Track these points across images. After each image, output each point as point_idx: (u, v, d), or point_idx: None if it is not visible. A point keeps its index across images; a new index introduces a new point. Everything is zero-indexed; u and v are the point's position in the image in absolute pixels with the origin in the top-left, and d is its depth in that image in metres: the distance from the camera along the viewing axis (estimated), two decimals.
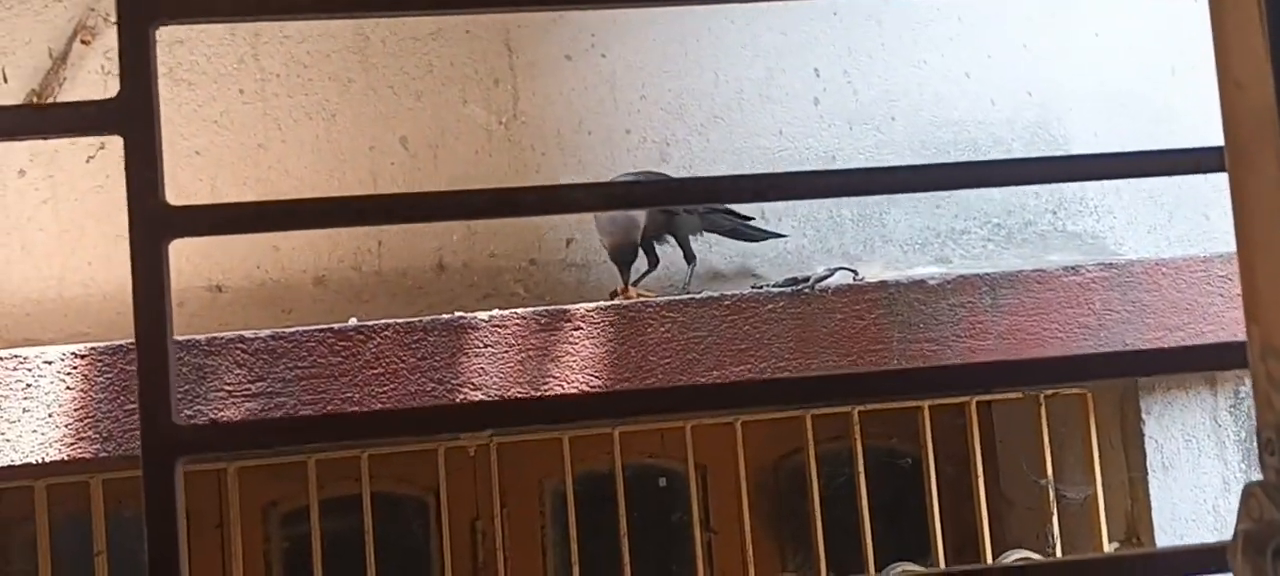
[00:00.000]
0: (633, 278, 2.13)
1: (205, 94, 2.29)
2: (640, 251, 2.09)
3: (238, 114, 2.30)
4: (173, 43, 2.28)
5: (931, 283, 1.78)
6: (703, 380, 1.74)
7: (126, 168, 0.65)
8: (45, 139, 0.64)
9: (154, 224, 0.64)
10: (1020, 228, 2.47)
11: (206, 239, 2.32)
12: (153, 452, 0.62)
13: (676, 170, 2.30)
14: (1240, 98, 0.59)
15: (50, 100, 2.23)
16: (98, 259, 2.24)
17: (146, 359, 0.63)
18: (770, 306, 1.75)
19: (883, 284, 1.77)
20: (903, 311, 1.77)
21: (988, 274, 1.80)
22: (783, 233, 2.25)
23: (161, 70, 2.35)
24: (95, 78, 2.25)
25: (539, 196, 0.69)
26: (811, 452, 1.99)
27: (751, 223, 2.23)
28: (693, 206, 2.07)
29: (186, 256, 2.26)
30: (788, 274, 2.29)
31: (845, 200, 2.43)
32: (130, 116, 0.66)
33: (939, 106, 2.45)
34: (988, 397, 2.06)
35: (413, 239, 2.32)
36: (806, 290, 1.75)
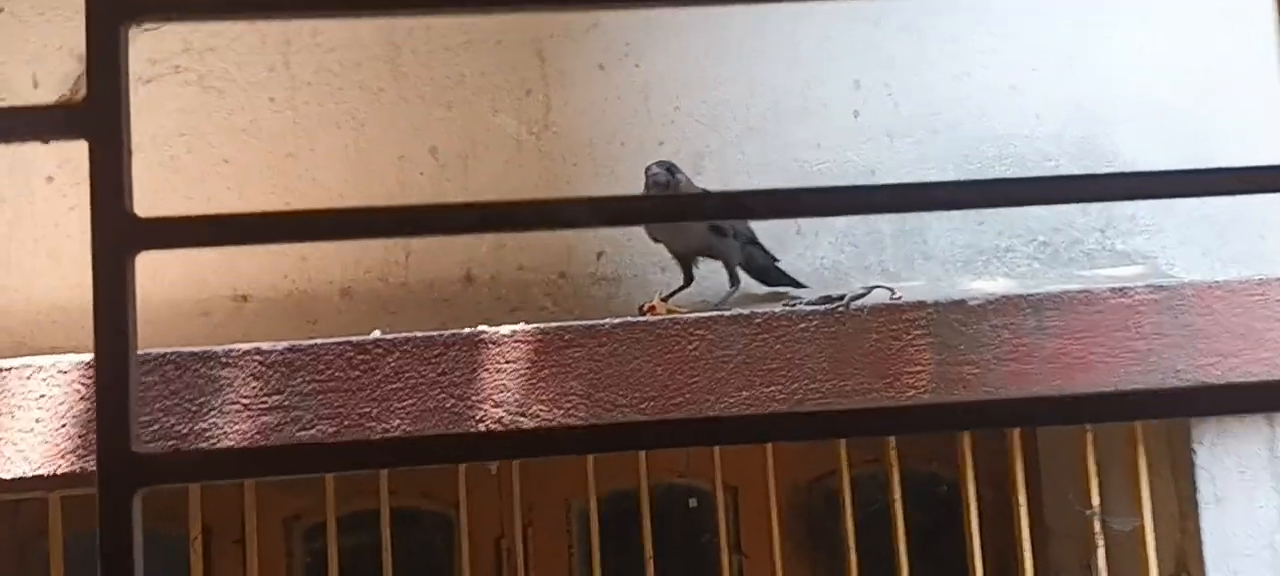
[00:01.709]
0: (664, 293, 2.08)
1: (235, 102, 2.27)
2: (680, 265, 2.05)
3: (267, 122, 2.28)
4: (204, 49, 2.27)
5: (972, 303, 1.71)
6: (731, 400, 1.68)
7: (91, 175, 0.60)
8: (6, 143, 0.59)
9: (119, 236, 0.60)
10: (1067, 246, 2.38)
11: (233, 250, 2.31)
12: (109, 482, 0.57)
13: (711, 183, 2.24)
14: None
15: None
16: None
17: (106, 379, 0.58)
18: (803, 325, 1.68)
19: (921, 303, 1.70)
20: (942, 332, 1.70)
21: (1032, 294, 1.72)
22: (803, 283, 2.18)
23: (192, 77, 2.35)
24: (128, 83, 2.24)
25: (534, 211, 0.63)
26: (846, 478, 1.92)
27: (778, 264, 2.17)
28: (740, 231, 2.01)
29: (212, 266, 2.24)
30: (824, 292, 2.23)
31: (884, 215, 2.36)
32: (97, 120, 0.61)
33: (982, 120, 2.37)
34: None
35: (440, 251, 2.28)
36: (841, 308, 1.69)
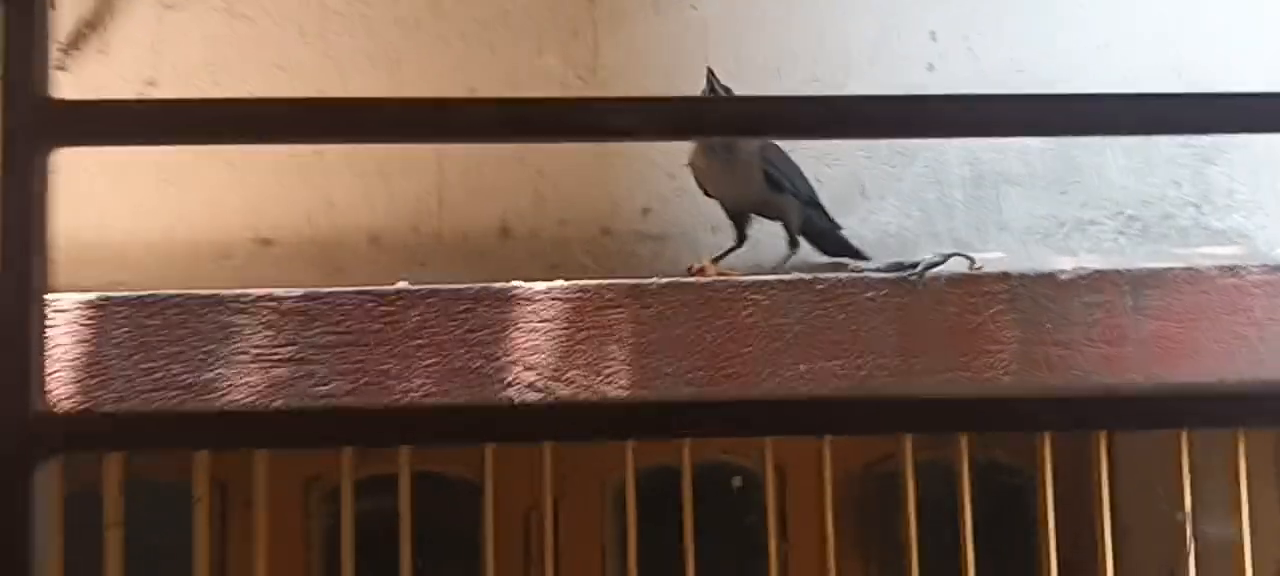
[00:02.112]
0: (715, 255, 1.91)
1: (263, 32, 2.13)
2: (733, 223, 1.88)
3: (297, 55, 2.13)
4: None
5: (1062, 277, 1.53)
6: (787, 374, 1.51)
7: (4, 47, 0.44)
8: None
9: (32, 125, 0.44)
10: (1157, 221, 2.18)
11: (257, 190, 2.18)
12: (4, 448, 0.42)
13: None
14: None
15: (101, 31, 2.09)
16: (143, 204, 2.10)
17: (7, 316, 0.42)
18: (870, 294, 1.51)
19: (1005, 275, 1.52)
20: (1027, 308, 1.52)
21: (1131, 270, 1.54)
22: (866, 254, 2.00)
23: (219, 5, 2.21)
24: (150, 11, 2.10)
25: (570, 113, 0.46)
26: (909, 469, 1.75)
27: (840, 231, 1.99)
28: (800, 189, 1.83)
29: (234, 207, 2.10)
30: (887, 254, 2.05)
31: (955, 179, 2.17)
32: None
33: (1071, 81, 2.17)
34: None
35: (476, 200, 2.13)
36: (914, 278, 1.51)
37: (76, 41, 2.08)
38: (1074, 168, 2.17)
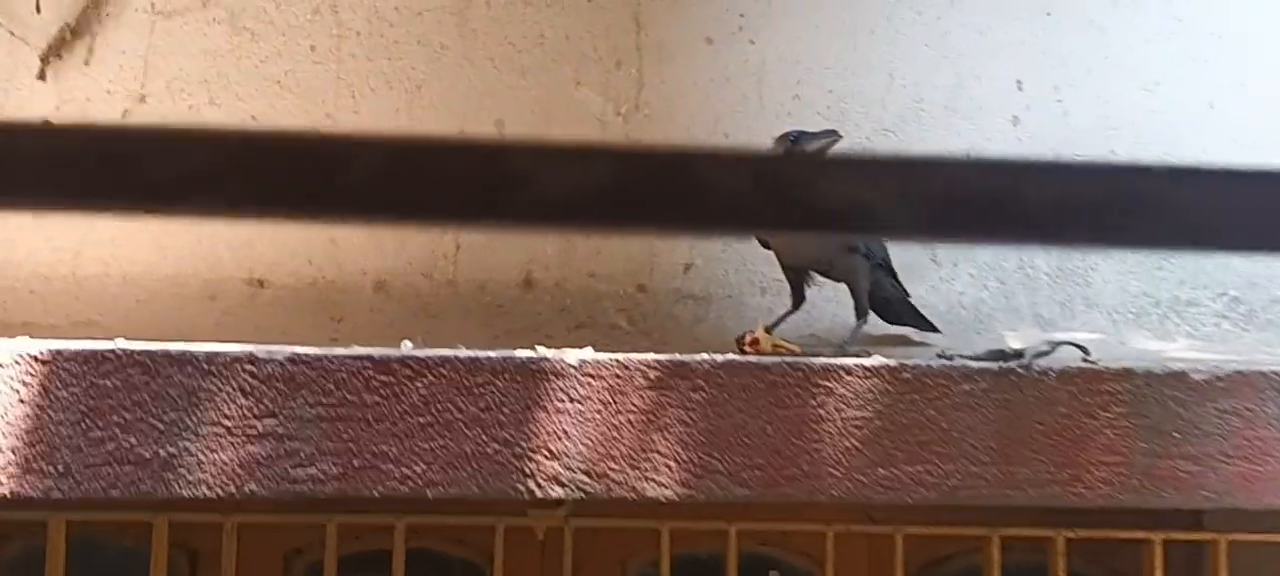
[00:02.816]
0: (768, 322, 1.66)
1: (270, 47, 1.90)
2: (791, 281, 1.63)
3: (306, 75, 1.90)
4: None
5: (1196, 377, 1.28)
6: (863, 479, 1.26)
7: None
8: None
9: None
10: (1266, 305, 1.93)
11: (252, 226, 1.94)
12: None
13: None
14: None
15: (86, 41, 1.87)
16: (122, 233, 1.87)
17: None
18: (967, 387, 1.26)
19: (1128, 372, 1.27)
20: (1152, 412, 1.27)
21: (1277, 372, 1.28)
22: (937, 326, 1.75)
23: (221, 14, 1.99)
24: (142, 18, 1.88)
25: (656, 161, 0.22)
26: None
27: (909, 299, 1.74)
28: (873, 250, 1.59)
29: (227, 243, 1.87)
30: (962, 336, 1.80)
31: (1041, 248, 1.92)
32: None
33: (1172, 143, 1.93)
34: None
35: (497, 246, 1.89)
36: (1020, 369, 1.26)
37: (59, 49, 1.86)
38: None
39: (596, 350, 1.76)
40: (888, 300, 1.73)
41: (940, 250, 1.90)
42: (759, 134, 1.91)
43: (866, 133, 1.92)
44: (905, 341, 1.77)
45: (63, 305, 1.83)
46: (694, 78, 1.91)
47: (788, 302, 1.73)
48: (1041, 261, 1.91)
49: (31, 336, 1.65)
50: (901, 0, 1.91)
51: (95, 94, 1.88)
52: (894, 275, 1.71)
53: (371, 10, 1.91)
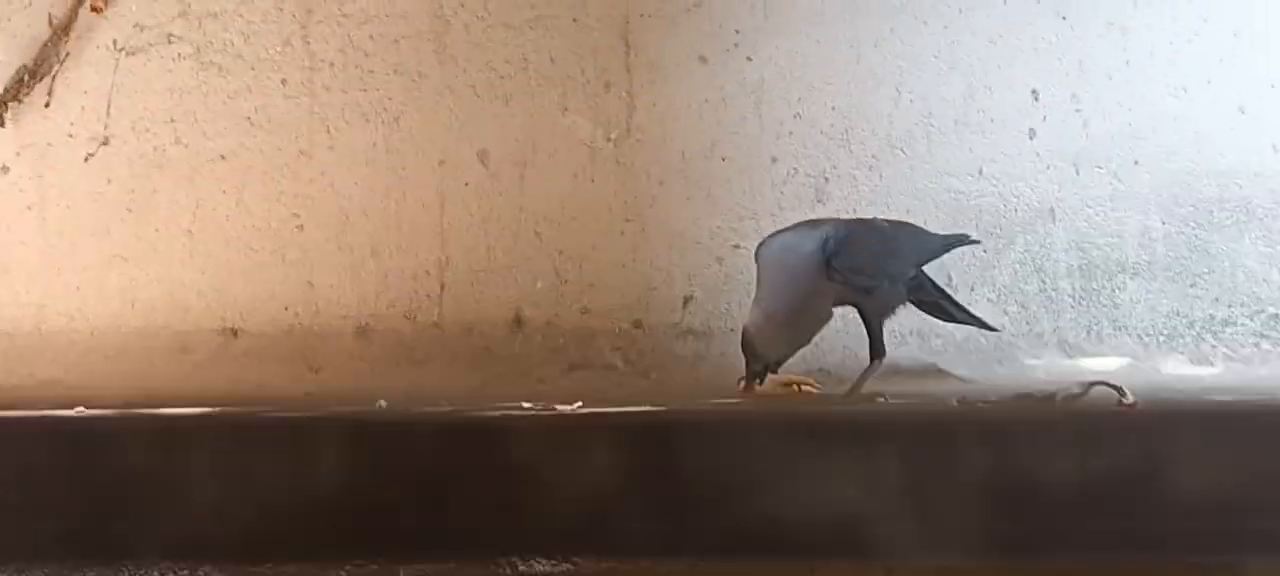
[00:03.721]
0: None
1: (239, 82, 1.80)
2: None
3: (277, 110, 1.80)
4: (204, 15, 1.80)
5: (1238, 410, 1.16)
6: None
7: None
8: None
9: None
10: None
11: (224, 269, 1.84)
12: None
13: (839, 214, 1.71)
14: None
15: (45, 82, 1.77)
16: (89, 283, 1.77)
17: None
18: None
19: (1165, 413, 1.15)
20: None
21: None
22: (993, 325, 1.64)
23: (187, 49, 1.89)
24: (104, 56, 1.78)
25: None
26: None
27: (954, 297, 1.61)
28: (877, 279, 1.46)
29: (197, 289, 1.77)
30: (982, 366, 1.68)
31: (1061, 267, 1.80)
32: None
33: (1201, 150, 1.81)
34: None
35: (484, 283, 1.79)
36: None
37: (17, 92, 1.76)
38: (1204, 255, 1.80)
39: (592, 391, 1.66)
40: (937, 303, 1.58)
41: (955, 272, 1.79)
42: (757, 155, 1.79)
43: (873, 151, 1.80)
44: (923, 377, 1.65)
45: (27, 363, 1.74)
46: (688, 98, 1.80)
47: None
48: (1064, 283, 1.79)
49: None
50: (906, 9, 1.79)
51: (57, 138, 1.78)
52: (937, 287, 1.56)
53: (345, 40, 1.81)
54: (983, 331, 1.66)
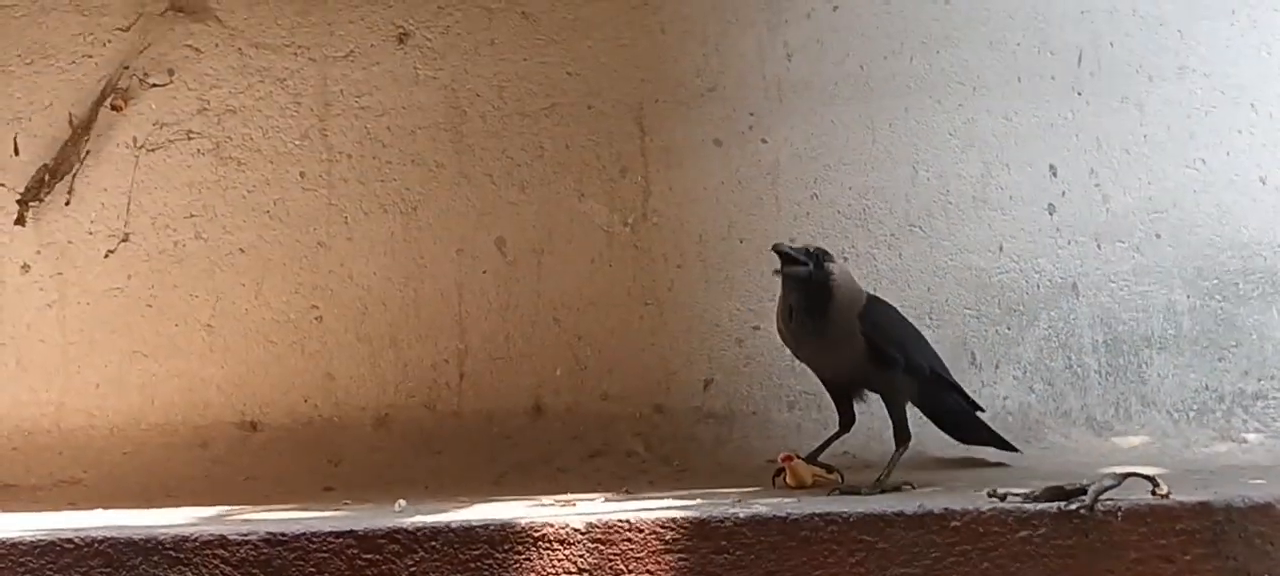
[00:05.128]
0: (814, 448, 1.51)
1: (258, 176, 1.81)
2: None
3: (296, 203, 1.81)
4: (223, 111, 1.81)
5: None
6: None
7: None
8: None
9: None
10: None
11: (243, 363, 1.84)
12: None
13: None
14: None
15: (65, 181, 1.79)
16: (108, 381, 1.77)
17: None
18: (1023, 534, 1.12)
19: (1205, 507, 1.12)
20: (1238, 553, 1.12)
21: None
22: (1015, 446, 1.61)
23: (207, 145, 1.90)
24: (125, 153, 1.80)
25: None
26: None
27: (981, 413, 1.59)
28: (916, 360, 1.45)
29: (216, 384, 1.76)
30: (1010, 442, 1.65)
31: (1087, 343, 1.78)
32: None
33: (1222, 222, 1.79)
34: None
35: (504, 371, 1.78)
36: (1083, 510, 1.12)
37: (38, 191, 1.77)
38: (1231, 327, 1.78)
39: (613, 479, 1.63)
40: (954, 418, 1.58)
41: (979, 349, 1.77)
42: (774, 237, 1.78)
43: (891, 229, 1.79)
44: (950, 466, 1.62)
45: (46, 462, 1.73)
46: (704, 182, 1.80)
47: (820, 419, 1.60)
48: (1089, 358, 1.77)
49: (14, 500, 1.56)
50: (920, 88, 1.80)
51: (77, 235, 1.79)
52: (958, 389, 1.56)
53: (362, 132, 1.82)
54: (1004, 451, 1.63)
